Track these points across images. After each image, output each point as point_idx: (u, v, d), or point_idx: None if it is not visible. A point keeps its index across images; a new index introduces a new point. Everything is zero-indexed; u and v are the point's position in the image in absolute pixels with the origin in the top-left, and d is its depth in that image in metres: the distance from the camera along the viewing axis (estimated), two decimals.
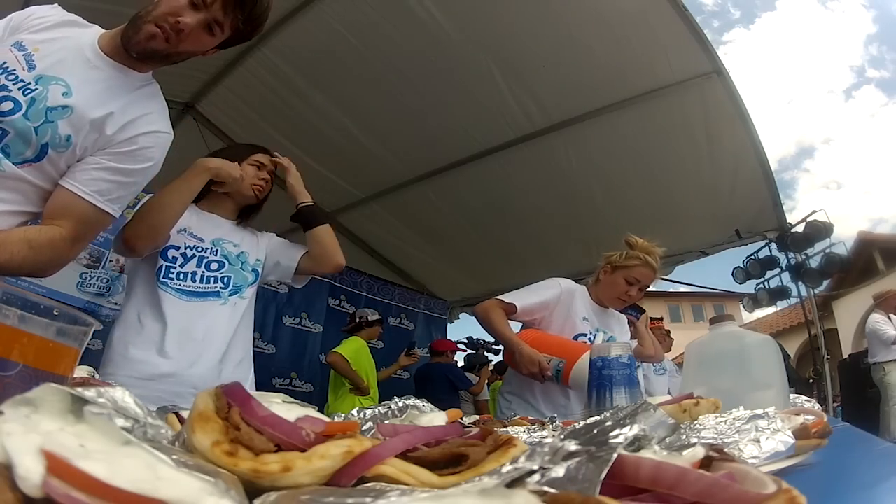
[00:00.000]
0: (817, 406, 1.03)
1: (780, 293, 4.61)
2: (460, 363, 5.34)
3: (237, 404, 0.34)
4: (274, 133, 3.68)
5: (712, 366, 1.06)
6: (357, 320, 4.02)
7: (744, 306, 4.93)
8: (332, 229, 1.63)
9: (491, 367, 5.32)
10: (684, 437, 0.51)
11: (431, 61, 3.22)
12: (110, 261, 3.35)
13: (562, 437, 0.35)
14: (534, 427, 0.86)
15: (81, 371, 0.75)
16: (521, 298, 1.89)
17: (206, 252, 1.46)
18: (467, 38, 3.06)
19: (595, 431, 0.35)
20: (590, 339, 1.86)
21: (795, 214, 19.95)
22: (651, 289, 2.00)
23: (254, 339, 1.59)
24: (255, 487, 0.29)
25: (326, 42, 3.15)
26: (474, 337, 5.56)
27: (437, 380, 4.44)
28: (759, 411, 0.55)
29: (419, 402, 0.65)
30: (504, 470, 0.28)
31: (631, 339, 2.13)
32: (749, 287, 4.71)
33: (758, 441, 0.49)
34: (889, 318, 4.51)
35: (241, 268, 1.51)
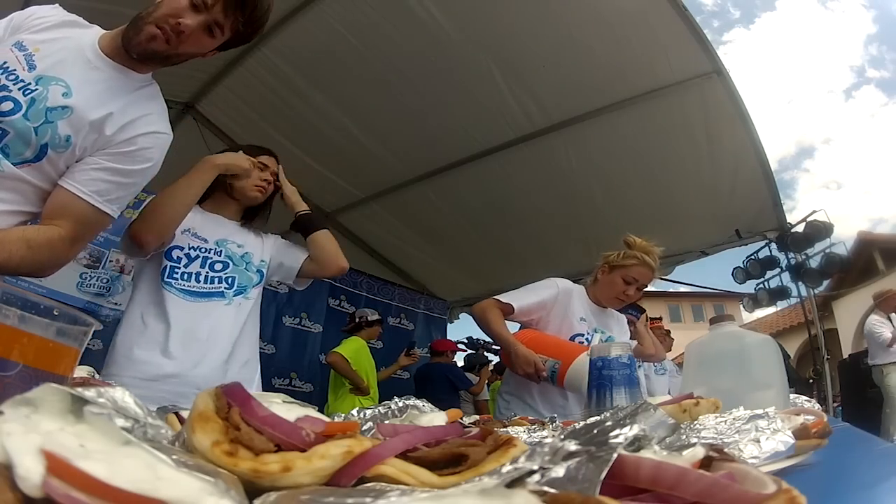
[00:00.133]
0: (817, 406, 1.03)
1: (780, 293, 4.61)
2: (460, 363, 5.34)
3: (237, 404, 0.34)
4: (274, 133, 3.68)
5: (712, 366, 1.06)
6: (357, 320, 4.02)
7: (744, 306, 4.93)
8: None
9: (491, 368, 5.32)
10: (684, 437, 0.51)
11: (431, 61, 3.22)
12: (110, 261, 3.35)
13: (562, 437, 0.35)
14: (534, 427, 0.86)
15: (81, 371, 0.75)
16: (518, 298, 1.89)
17: (209, 252, 1.46)
18: (467, 38, 3.06)
19: (595, 431, 0.35)
20: (587, 339, 1.85)
21: (795, 214, 19.97)
22: (651, 289, 2.00)
23: None
24: (255, 487, 0.29)
25: (326, 42, 3.15)
26: (474, 337, 5.57)
27: (437, 380, 4.44)
28: (759, 411, 0.55)
29: (419, 402, 0.65)
30: (504, 470, 0.28)
31: (631, 338, 2.13)
32: (749, 287, 4.71)
33: (758, 441, 0.49)
34: (889, 318, 4.51)
35: (245, 268, 1.50)
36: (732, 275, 4.63)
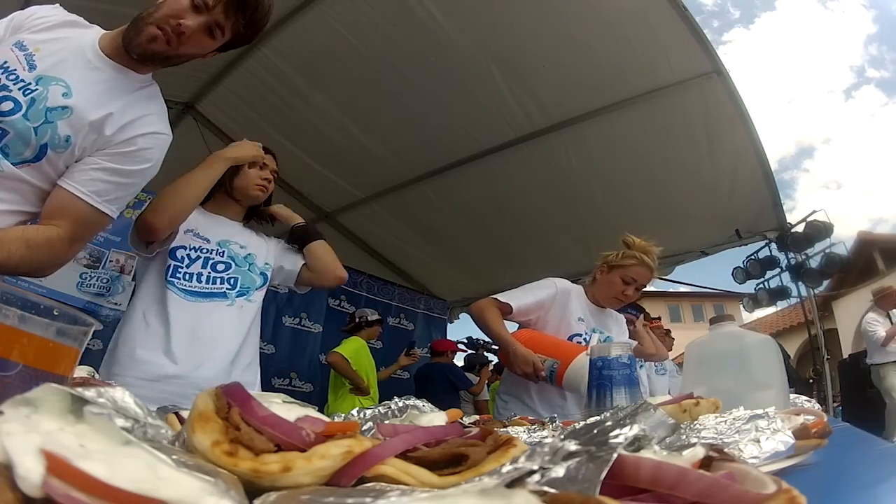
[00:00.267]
0: (817, 406, 1.03)
1: (780, 293, 4.61)
2: (460, 363, 5.34)
3: (237, 404, 0.34)
4: (274, 133, 3.68)
5: (712, 366, 1.06)
6: (357, 320, 4.02)
7: (744, 306, 4.93)
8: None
9: (491, 367, 5.32)
10: (684, 437, 0.51)
11: (431, 61, 3.22)
12: (110, 261, 3.35)
13: (562, 437, 0.35)
14: (534, 427, 0.86)
15: (81, 371, 0.75)
16: (516, 298, 1.89)
17: (211, 253, 1.46)
18: (467, 38, 3.06)
19: (595, 431, 0.35)
20: (585, 339, 1.85)
21: (795, 214, 19.98)
22: (651, 289, 2.00)
23: None
24: (255, 487, 0.29)
25: (326, 42, 3.15)
26: (474, 337, 5.56)
27: (437, 380, 4.44)
28: (759, 411, 0.55)
29: (419, 402, 0.65)
30: (504, 470, 0.28)
31: (630, 338, 2.13)
32: (749, 287, 4.71)
33: (758, 441, 0.49)
34: (889, 315, 4.50)
35: (248, 269, 1.50)
36: (732, 275, 4.64)
